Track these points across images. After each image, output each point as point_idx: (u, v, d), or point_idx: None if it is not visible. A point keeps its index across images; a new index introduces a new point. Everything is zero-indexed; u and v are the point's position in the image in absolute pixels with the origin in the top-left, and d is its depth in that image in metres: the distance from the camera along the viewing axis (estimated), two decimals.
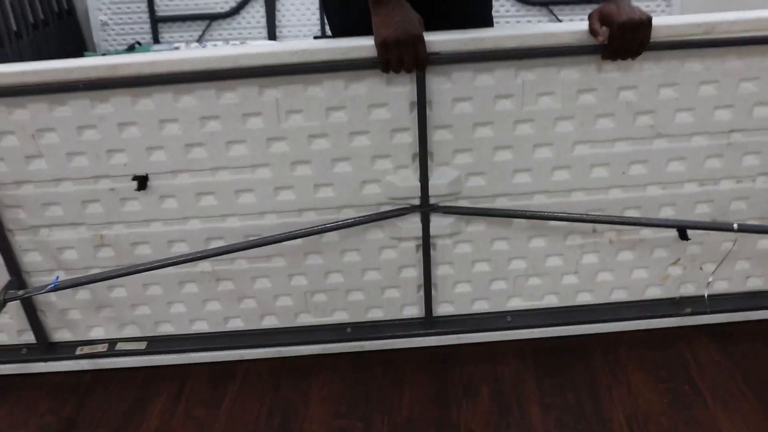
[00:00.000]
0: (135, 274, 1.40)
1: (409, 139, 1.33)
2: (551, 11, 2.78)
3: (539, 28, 1.28)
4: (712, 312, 1.53)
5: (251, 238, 1.40)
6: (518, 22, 2.77)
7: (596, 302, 1.56)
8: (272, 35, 2.79)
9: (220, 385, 1.49)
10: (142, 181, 1.35)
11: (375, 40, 1.19)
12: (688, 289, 1.55)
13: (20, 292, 1.38)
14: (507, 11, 2.78)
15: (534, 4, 2.77)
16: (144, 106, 1.28)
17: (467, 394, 1.42)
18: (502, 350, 1.52)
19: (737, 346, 1.51)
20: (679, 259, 1.51)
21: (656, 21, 1.21)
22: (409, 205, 1.40)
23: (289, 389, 1.46)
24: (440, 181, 1.37)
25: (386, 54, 1.18)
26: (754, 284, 1.57)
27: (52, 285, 1.32)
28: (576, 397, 1.39)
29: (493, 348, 1.53)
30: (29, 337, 1.54)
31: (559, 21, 2.72)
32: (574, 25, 1.26)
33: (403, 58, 1.18)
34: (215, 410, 1.42)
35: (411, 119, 1.31)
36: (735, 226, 1.36)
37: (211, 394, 1.47)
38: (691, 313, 1.55)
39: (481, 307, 1.55)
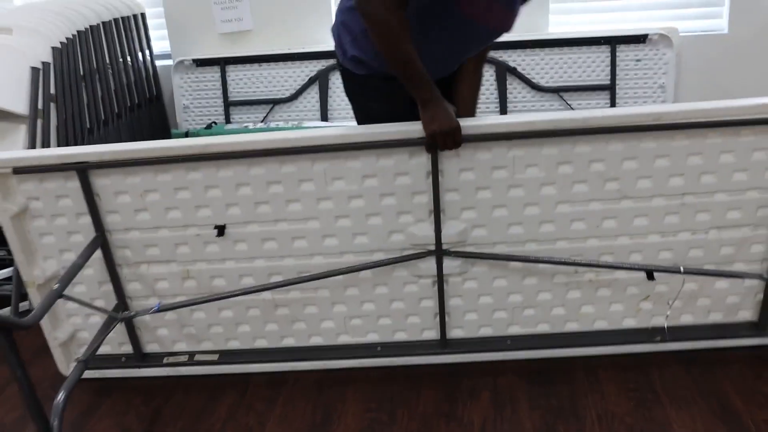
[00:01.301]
0: (212, 301, 1.81)
1: (425, 199, 1.72)
2: (562, 97, 3.09)
3: (521, 117, 1.67)
4: (675, 340, 1.85)
5: (303, 274, 1.80)
6: (533, 107, 3.10)
7: (581, 330, 1.89)
8: (324, 117, 3.26)
9: (276, 389, 1.87)
10: (221, 230, 1.76)
11: (426, 130, 1.61)
12: (659, 321, 1.88)
13: (131, 313, 1.80)
14: (523, 97, 3.11)
15: (546, 91, 3.09)
16: (225, 173, 1.70)
17: (471, 397, 1.77)
18: (501, 367, 1.87)
19: (697, 367, 1.82)
20: (648, 296, 1.84)
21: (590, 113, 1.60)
22: (426, 250, 1.77)
23: (330, 392, 1.84)
24: (451, 231, 1.75)
25: (434, 141, 1.61)
26: (714, 318, 1.89)
27: (156, 308, 1.73)
28: (558, 401, 1.74)
29: (494, 365, 1.88)
30: (128, 349, 1.95)
31: (570, 107, 3.07)
32: (546, 114, 1.65)
33: (446, 143, 1.61)
34: (272, 406, 1.81)
35: (427, 184, 1.70)
36: (681, 269, 1.71)
37: (269, 395, 1.85)
38: (661, 341, 1.87)
39: (485, 332, 1.90)
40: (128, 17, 3.12)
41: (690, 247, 1.78)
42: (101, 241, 1.77)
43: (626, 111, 1.65)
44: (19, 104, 2.46)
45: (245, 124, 3.18)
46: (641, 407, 1.70)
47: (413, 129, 1.64)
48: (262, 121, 3.26)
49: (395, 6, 1.52)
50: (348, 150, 1.67)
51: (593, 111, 1.67)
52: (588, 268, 1.80)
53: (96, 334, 1.78)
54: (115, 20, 3.01)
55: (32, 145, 2.43)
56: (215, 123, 3.29)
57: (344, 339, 1.93)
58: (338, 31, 1.77)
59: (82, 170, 1.70)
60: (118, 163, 1.69)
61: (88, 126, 2.74)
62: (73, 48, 2.68)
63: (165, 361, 1.96)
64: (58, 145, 2.49)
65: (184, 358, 1.96)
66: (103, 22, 2.92)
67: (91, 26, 2.83)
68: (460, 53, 1.77)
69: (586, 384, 1.79)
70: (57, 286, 1.62)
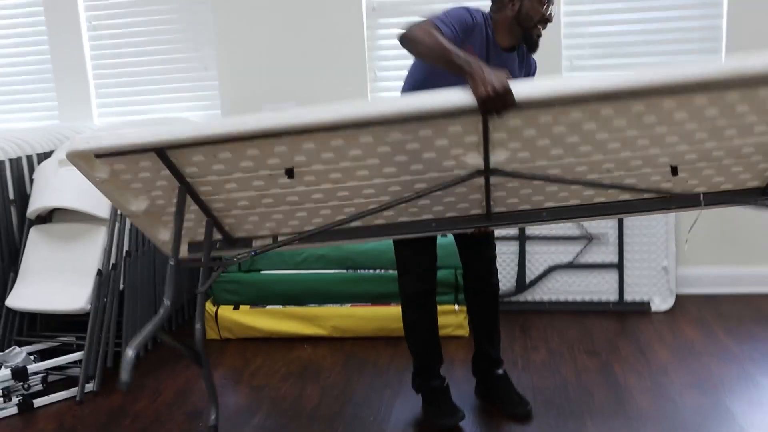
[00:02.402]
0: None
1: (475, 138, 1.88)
2: None
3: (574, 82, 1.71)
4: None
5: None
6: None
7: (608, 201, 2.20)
8: None
9: None
10: (290, 172, 1.96)
11: (475, 95, 1.65)
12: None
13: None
14: None
15: None
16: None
17: None
18: None
19: None
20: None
21: None
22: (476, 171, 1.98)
23: None
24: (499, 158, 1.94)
25: (486, 106, 1.66)
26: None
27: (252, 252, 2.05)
28: None
29: None
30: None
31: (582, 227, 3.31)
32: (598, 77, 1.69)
33: (497, 105, 1.66)
34: None
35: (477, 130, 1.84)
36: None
37: None
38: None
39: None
40: None
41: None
42: (186, 189, 1.99)
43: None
44: (103, 210, 2.95)
45: None
46: None
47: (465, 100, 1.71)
48: None
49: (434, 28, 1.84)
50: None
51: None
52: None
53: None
54: None
55: (110, 244, 2.93)
56: None
57: (403, 218, 2.24)
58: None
59: (160, 150, 1.85)
60: (195, 143, 1.83)
61: None
62: None
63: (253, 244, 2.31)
64: (129, 248, 3.05)
65: (269, 241, 2.31)
66: None
67: None
68: None
69: None
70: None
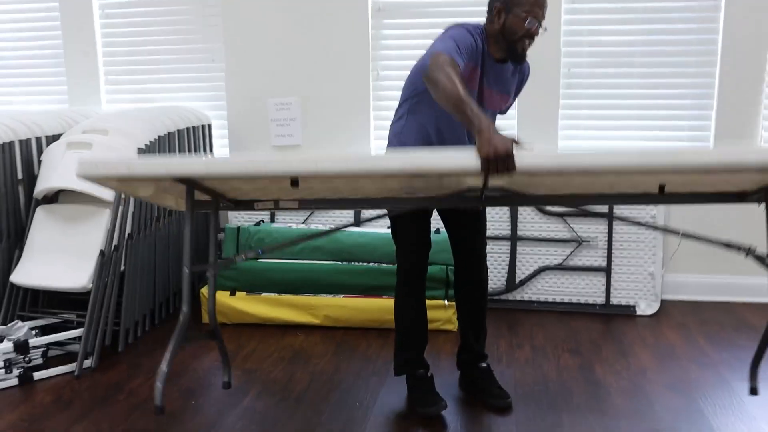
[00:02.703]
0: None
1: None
2: (566, 221, 3.51)
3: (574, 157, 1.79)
4: None
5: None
6: (540, 226, 3.61)
7: None
8: (357, 221, 3.65)
9: None
10: (294, 182, 2.03)
11: (480, 153, 1.75)
12: None
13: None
14: (532, 219, 3.60)
15: (552, 215, 3.54)
16: None
17: None
18: None
19: None
20: None
21: None
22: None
23: None
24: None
25: (488, 165, 1.76)
26: None
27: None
28: None
29: None
30: None
31: (573, 230, 3.51)
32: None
33: (499, 167, 1.75)
34: None
35: None
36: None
37: None
38: None
39: None
40: (198, 126, 3.75)
41: None
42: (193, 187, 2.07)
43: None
44: (107, 192, 3.05)
45: (288, 224, 3.58)
46: None
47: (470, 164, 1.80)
48: (303, 222, 3.73)
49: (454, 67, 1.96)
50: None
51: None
52: None
53: None
54: (188, 129, 3.64)
55: (113, 226, 3.03)
56: (263, 221, 3.71)
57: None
58: (389, 139, 2.43)
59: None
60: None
61: (156, 215, 3.35)
62: (153, 149, 3.26)
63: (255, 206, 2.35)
64: (131, 231, 3.14)
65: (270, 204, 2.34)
66: (178, 130, 3.53)
67: (168, 132, 3.42)
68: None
69: None
70: None
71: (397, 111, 2.40)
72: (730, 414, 2.46)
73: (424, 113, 2.29)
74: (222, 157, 1.85)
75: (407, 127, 2.34)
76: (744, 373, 2.78)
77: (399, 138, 2.37)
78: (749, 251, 2.15)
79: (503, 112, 2.46)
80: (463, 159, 1.81)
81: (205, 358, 2.99)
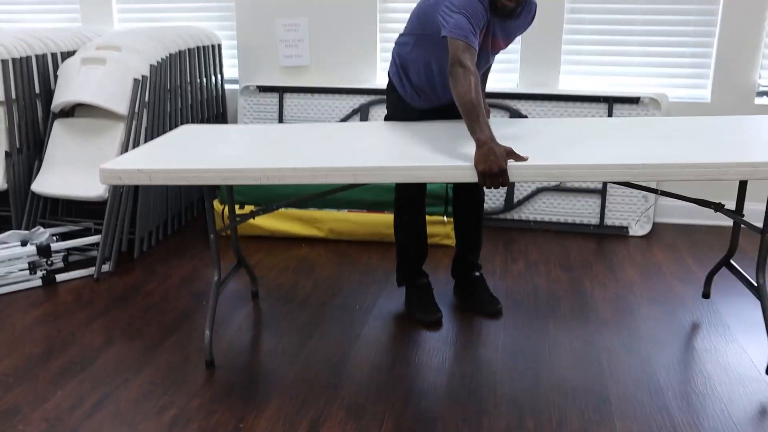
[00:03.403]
0: None
1: None
2: None
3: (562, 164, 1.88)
4: None
5: None
6: None
7: None
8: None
9: None
10: None
11: (477, 168, 1.92)
12: None
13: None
14: None
15: None
16: None
17: None
18: None
19: None
20: None
21: None
22: None
23: None
24: None
25: (484, 179, 1.93)
26: None
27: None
28: None
29: None
30: None
31: None
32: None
33: (494, 183, 1.93)
34: None
35: None
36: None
37: None
38: None
39: None
40: (208, 46, 3.85)
41: None
42: None
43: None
44: (122, 107, 3.16)
45: None
46: None
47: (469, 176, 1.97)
48: None
49: (472, 64, 2.07)
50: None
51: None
52: None
53: None
54: (198, 48, 3.73)
55: (127, 140, 3.16)
56: None
57: None
58: (393, 54, 2.52)
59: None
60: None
61: (168, 129, 3.42)
62: (164, 67, 3.37)
63: None
64: (145, 142, 3.20)
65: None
66: (189, 49, 3.62)
67: (179, 50, 3.52)
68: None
69: None
70: None
71: (403, 35, 2.48)
72: (706, 324, 2.63)
73: (429, 50, 2.37)
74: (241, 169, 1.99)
75: (412, 58, 2.43)
76: (726, 290, 2.92)
77: (403, 61, 2.47)
78: (718, 207, 2.31)
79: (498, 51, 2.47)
80: (462, 172, 1.96)
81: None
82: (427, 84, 2.43)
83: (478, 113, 2.00)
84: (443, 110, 2.54)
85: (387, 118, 2.60)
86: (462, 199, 2.70)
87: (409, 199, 2.59)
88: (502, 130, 2.36)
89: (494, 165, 1.90)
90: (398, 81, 2.50)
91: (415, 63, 2.43)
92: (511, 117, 3.66)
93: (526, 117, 3.65)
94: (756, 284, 2.26)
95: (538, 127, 2.48)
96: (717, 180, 1.90)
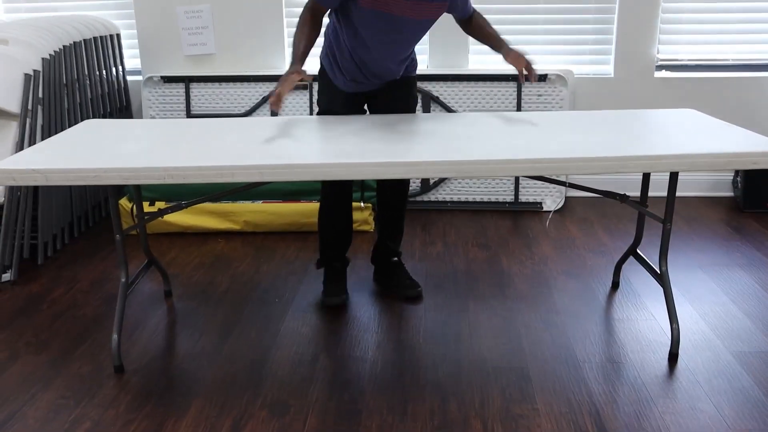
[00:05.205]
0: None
1: None
2: None
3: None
4: None
5: None
6: None
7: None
8: None
9: None
10: None
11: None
12: None
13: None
14: None
15: None
16: None
17: None
18: None
19: None
20: None
21: None
22: None
23: None
24: None
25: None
26: None
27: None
28: None
29: None
30: None
31: None
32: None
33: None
34: None
35: None
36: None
37: None
38: None
39: None
40: (106, 36, 3.65)
41: None
42: None
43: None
44: (12, 104, 2.97)
45: None
46: None
47: None
48: None
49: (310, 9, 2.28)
50: None
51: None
52: None
53: None
54: (95, 38, 3.53)
55: (21, 139, 2.97)
56: None
57: None
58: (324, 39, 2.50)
59: None
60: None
61: (66, 126, 3.22)
62: (59, 60, 3.16)
63: None
64: (42, 140, 2.85)
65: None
66: (85, 40, 3.42)
67: (74, 42, 3.32)
68: (390, 43, 2.30)
69: None
70: None
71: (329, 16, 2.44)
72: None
73: (344, 23, 2.34)
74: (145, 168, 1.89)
75: (335, 35, 2.42)
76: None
77: (328, 40, 2.48)
78: (623, 198, 2.38)
79: (431, 17, 2.32)
80: (369, 169, 1.97)
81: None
82: (352, 61, 2.40)
83: (293, 52, 2.28)
84: (372, 95, 2.52)
85: (318, 104, 2.58)
86: (386, 188, 2.67)
87: (335, 186, 2.55)
88: (419, 125, 2.36)
89: (276, 88, 2.13)
90: (329, 60, 2.47)
91: (337, 40, 2.39)
92: (422, 99, 3.66)
93: (437, 98, 3.66)
94: (659, 272, 2.34)
95: (454, 120, 2.47)
96: (619, 173, 1.96)
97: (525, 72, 2.37)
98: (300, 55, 2.26)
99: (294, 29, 2.37)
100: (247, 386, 2.12)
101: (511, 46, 2.39)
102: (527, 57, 2.34)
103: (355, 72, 2.40)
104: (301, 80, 2.18)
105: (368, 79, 2.43)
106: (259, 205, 3.35)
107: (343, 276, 2.69)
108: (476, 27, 2.47)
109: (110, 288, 2.84)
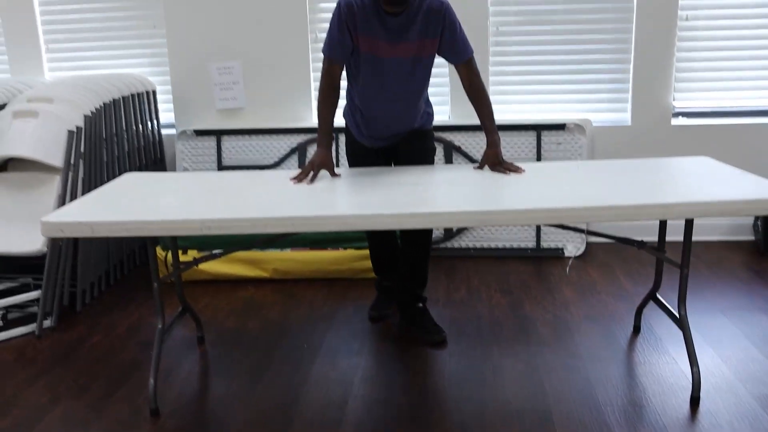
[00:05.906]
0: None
1: None
2: None
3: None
4: None
5: None
6: None
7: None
8: None
9: None
10: None
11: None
12: None
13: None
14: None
15: None
16: None
17: None
18: None
19: None
20: None
21: None
22: None
23: None
24: None
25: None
26: None
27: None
28: None
29: None
30: None
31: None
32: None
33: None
34: None
35: None
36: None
37: None
38: None
39: None
40: (143, 93, 3.83)
41: None
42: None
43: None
44: (57, 159, 3.13)
45: None
46: None
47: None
48: None
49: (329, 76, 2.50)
50: None
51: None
52: None
53: None
54: (132, 95, 3.71)
55: (64, 192, 3.11)
56: None
57: None
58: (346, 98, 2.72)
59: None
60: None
61: (105, 179, 3.40)
62: (99, 116, 3.35)
63: None
64: (82, 194, 3.14)
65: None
66: (123, 96, 3.61)
67: (113, 99, 3.51)
68: (388, 87, 2.49)
69: None
70: None
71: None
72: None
73: (354, 77, 2.57)
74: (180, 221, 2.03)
75: (349, 106, 2.69)
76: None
77: (349, 96, 2.70)
78: (641, 245, 2.47)
79: (416, 57, 2.51)
80: (396, 220, 2.07)
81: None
82: (364, 117, 2.61)
83: (320, 126, 2.51)
84: (392, 148, 2.68)
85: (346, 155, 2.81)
86: (410, 236, 2.77)
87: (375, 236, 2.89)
88: (439, 174, 2.52)
89: (308, 166, 2.43)
90: (350, 118, 2.68)
91: (351, 100, 2.60)
92: (445, 149, 3.78)
93: (459, 148, 3.78)
94: (678, 316, 2.40)
95: (472, 172, 2.58)
96: (634, 221, 2.05)
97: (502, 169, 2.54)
98: (326, 129, 2.48)
99: (319, 83, 2.52)
100: (277, 428, 2.20)
101: (493, 138, 2.58)
102: (498, 156, 2.55)
103: (369, 127, 2.57)
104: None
105: (382, 133, 2.58)
106: (287, 253, 3.47)
107: (388, 295, 2.94)
108: (473, 98, 2.67)
109: (146, 334, 2.95)
